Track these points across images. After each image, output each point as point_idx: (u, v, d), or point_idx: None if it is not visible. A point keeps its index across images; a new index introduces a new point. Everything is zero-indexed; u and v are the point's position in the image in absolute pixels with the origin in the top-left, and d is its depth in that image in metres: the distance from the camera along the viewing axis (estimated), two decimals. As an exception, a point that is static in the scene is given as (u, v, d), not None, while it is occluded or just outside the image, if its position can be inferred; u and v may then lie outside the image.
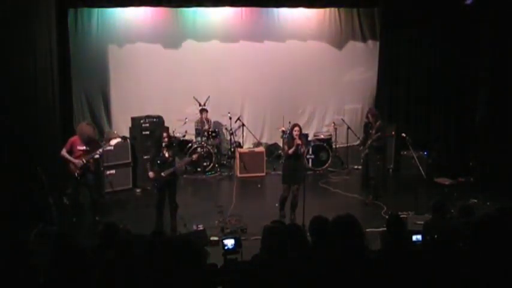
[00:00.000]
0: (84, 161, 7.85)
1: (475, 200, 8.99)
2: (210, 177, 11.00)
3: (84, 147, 7.88)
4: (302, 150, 8.17)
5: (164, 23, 11.98)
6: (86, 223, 8.03)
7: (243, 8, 12.24)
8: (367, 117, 9.39)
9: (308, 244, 4.32)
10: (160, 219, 7.63)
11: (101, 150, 8.10)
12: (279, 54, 12.65)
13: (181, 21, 12.10)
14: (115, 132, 10.43)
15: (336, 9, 12.95)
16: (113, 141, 8.49)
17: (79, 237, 7.14)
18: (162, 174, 7.54)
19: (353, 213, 3.88)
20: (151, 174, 7.57)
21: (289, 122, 9.80)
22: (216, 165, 11.24)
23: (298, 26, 12.79)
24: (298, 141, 7.99)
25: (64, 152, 7.85)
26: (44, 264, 3.60)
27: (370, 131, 9.14)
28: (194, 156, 8.41)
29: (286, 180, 8.18)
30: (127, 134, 10.65)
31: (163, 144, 7.57)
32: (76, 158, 7.84)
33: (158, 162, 7.58)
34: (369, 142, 9.14)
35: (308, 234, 4.46)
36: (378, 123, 9.07)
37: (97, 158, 8.35)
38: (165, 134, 7.66)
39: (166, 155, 7.61)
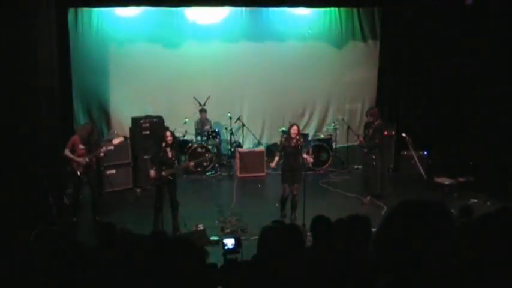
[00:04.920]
0: (88, 160, 7.86)
1: (475, 200, 8.99)
2: (210, 177, 11.01)
3: (85, 146, 7.90)
4: (303, 148, 8.21)
5: (164, 23, 11.97)
6: (86, 223, 8.04)
7: (243, 8, 12.25)
8: (366, 116, 9.39)
9: (306, 244, 4.32)
10: (159, 218, 7.61)
11: (104, 148, 8.13)
12: (279, 55, 12.64)
13: (181, 21, 12.09)
14: (115, 132, 10.43)
15: (336, 9, 12.96)
16: (116, 141, 8.51)
17: (79, 237, 7.21)
18: (163, 173, 7.53)
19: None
20: (152, 173, 7.54)
21: (289, 122, 9.80)
22: (216, 165, 11.25)
23: (298, 26, 12.79)
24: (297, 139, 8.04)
25: (67, 152, 7.87)
26: (44, 264, 3.60)
27: (369, 130, 9.13)
28: (192, 164, 8.49)
29: (286, 180, 8.18)
30: (127, 134, 10.64)
31: (168, 143, 7.56)
32: (79, 156, 7.86)
33: (160, 161, 7.57)
34: (361, 141, 9.17)
35: (309, 233, 4.46)
36: (376, 123, 9.05)
37: (102, 157, 8.39)
38: (168, 133, 7.65)
39: (170, 155, 7.60)
